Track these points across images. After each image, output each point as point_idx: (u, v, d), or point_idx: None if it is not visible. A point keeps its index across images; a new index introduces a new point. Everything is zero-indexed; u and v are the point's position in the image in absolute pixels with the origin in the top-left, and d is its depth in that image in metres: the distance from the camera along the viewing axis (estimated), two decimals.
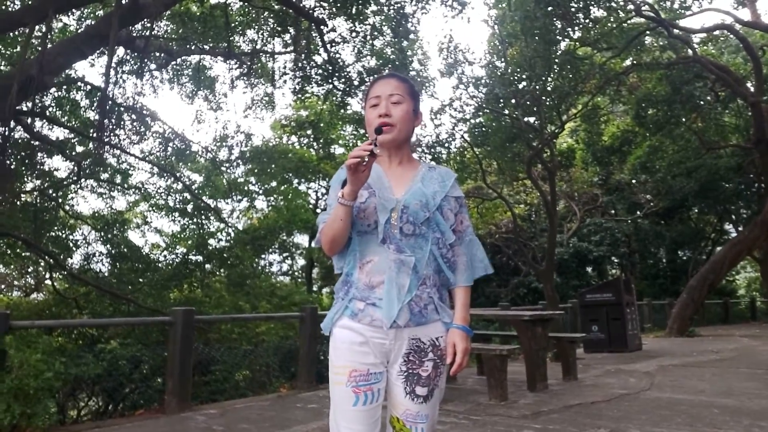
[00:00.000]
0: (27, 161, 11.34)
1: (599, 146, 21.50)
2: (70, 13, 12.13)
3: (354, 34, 12.78)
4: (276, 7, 12.58)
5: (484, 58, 16.05)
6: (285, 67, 14.24)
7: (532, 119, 15.88)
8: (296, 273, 23.85)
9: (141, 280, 12.28)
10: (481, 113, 16.33)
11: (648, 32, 15.68)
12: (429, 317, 1.87)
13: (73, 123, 12.64)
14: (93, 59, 12.88)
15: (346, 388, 1.83)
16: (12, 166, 10.44)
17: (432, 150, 16.58)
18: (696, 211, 25.19)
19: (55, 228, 12.72)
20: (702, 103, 16.72)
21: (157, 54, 13.20)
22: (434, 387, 1.89)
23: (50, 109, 12.23)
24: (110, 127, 11.71)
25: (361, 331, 1.84)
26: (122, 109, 12.19)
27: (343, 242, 1.90)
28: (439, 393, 1.93)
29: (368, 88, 2.04)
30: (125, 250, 13.03)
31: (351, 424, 1.82)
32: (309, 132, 21.95)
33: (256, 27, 14.04)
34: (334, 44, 12.66)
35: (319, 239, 1.94)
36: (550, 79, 14.67)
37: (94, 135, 11.53)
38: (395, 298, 1.82)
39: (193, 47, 13.67)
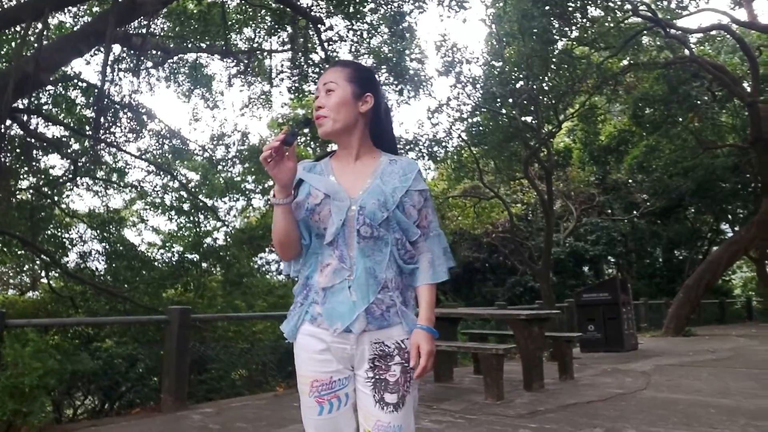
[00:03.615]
0: (23, 159, 11.30)
1: (596, 146, 21.52)
2: (66, 11, 12.09)
3: (351, 33, 12.78)
4: (273, 5, 12.56)
5: (481, 57, 16.07)
6: (282, 66, 14.22)
7: (529, 118, 15.90)
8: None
9: (137, 278, 12.25)
10: (478, 112, 16.34)
11: (645, 32, 15.71)
12: (392, 320, 1.78)
13: (69, 121, 12.58)
14: (89, 57, 12.83)
15: (309, 398, 1.77)
16: (7, 164, 10.40)
17: (429, 149, 16.59)
18: (693, 210, 25.25)
19: (51, 226, 12.68)
20: (699, 102, 16.74)
21: (154, 52, 13.17)
22: (405, 393, 1.77)
23: (46, 106, 12.17)
24: (106, 124, 11.67)
25: (321, 336, 1.77)
26: (118, 106, 12.15)
27: (294, 246, 1.81)
28: (412, 401, 1.80)
29: None
30: (121, 248, 13.00)
31: None
32: (306, 130, 21.90)
33: (253, 25, 14.01)
34: (331, 42, 12.65)
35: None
36: (547, 78, 14.70)
37: (90, 133, 11.50)
38: (350, 305, 1.75)
39: (190, 45, 13.64)
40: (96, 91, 10.98)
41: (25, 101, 9.28)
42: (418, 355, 1.76)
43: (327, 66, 1.87)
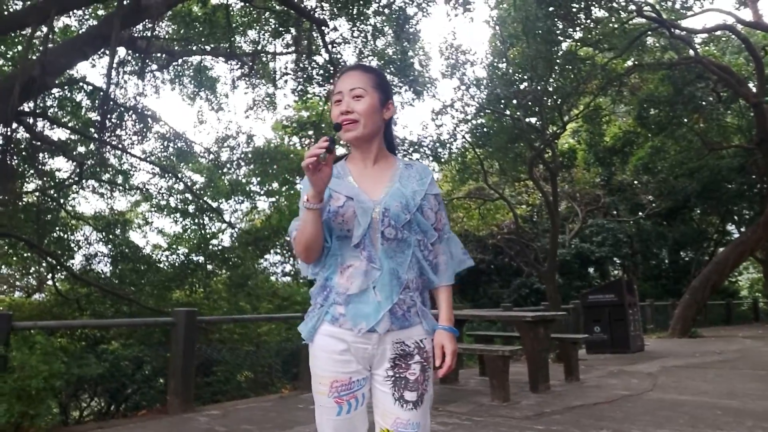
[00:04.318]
0: (29, 162, 11.34)
1: (601, 147, 21.49)
2: (71, 14, 12.14)
3: (355, 35, 12.80)
4: (277, 7, 12.59)
5: (485, 58, 16.05)
6: (286, 68, 14.26)
7: (533, 120, 15.87)
8: (298, 273, 23.82)
9: (143, 280, 12.29)
10: (482, 114, 16.33)
11: (650, 33, 15.67)
12: (412, 320, 1.82)
13: (75, 123, 12.65)
14: (95, 60, 12.91)
15: (328, 399, 1.79)
16: (14, 167, 10.44)
17: (433, 150, 16.58)
18: (698, 211, 25.18)
19: (57, 228, 12.72)
20: (704, 103, 16.71)
21: (159, 55, 13.22)
22: (423, 392, 1.82)
23: (52, 109, 12.24)
24: (111, 127, 11.72)
25: (342, 336, 1.79)
26: (123, 109, 12.20)
27: (319, 248, 1.82)
28: (428, 399, 1.85)
29: (334, 83, 1.96)
30: (127, 250, 13.03)
31: None
32: (310, 133, 21.92)
33: (258, 27, 14.04)
34: (335, 45, 12.67)
35: (294, 247, 1.86)
36: (551, 79, 14.67)
37: (96, 135, 11.55)
38: (375, 305, 1.77)
39: (194, 48, 13.68)
40: (101, 93, 11.03)
41: (31, 104, 9.30)
42: (442, 354, 1.83)
43: (343, 69, 1.89)
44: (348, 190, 1.84)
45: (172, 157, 14.40)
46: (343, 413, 1.78)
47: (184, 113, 65.41)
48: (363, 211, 1.80)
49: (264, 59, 14.77)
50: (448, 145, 16.84)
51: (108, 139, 11.53)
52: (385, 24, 13.33)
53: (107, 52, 10.51)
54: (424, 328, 1.85)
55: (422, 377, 1.82)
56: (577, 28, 14.32)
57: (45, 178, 12.44)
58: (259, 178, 17.33)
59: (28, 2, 10.91)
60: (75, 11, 11.97)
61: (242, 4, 13.38)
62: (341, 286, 1.80)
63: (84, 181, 13.03)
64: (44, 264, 13.01)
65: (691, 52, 16.14)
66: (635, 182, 24.09)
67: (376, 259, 1.79)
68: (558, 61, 14.24)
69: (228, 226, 15.27)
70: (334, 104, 1.91)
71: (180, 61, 14.20)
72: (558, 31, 13.78)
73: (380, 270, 1.79)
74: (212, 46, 13.52)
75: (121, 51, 11.81)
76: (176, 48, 13.47)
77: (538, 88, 14.61)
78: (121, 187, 14.55)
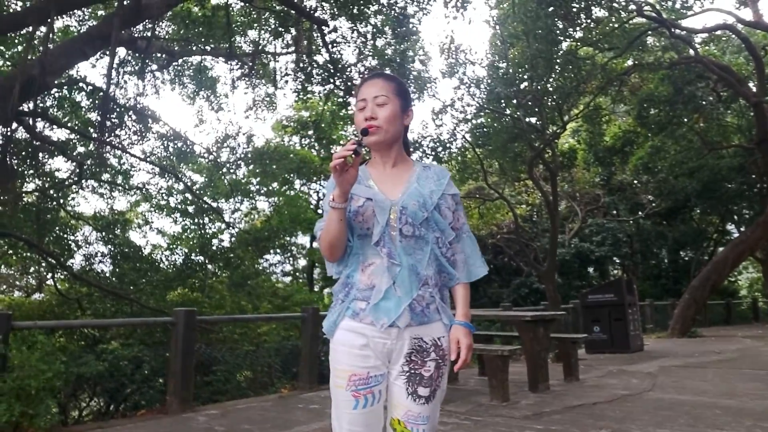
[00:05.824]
0: (28, 162, 11.34)
1: (601, 146, 21.48)
2: (71, 14, 12.14)
3: (355, 35, 12.79)
4: (277, 7, 12.59)
5: (485, 58, 16.05)
6: (286, 68, 14.23)
7: (533, 119, 15.87)
8: (298, 273, 23.86)
9: (143, 280, 12.29)
10: (482, 113, 16.33)
11: (650, 32, 15.67)
12: (431, 317, 1.87)
13: (75, 124, 12.64)
14: (94, 60, 12.90)
15: (345, 392, 1.84)
16: (14, 167, 10.44)
17: (433, 150, 16.58)
18: (698, 211, 25.15)
19: (57, 228, 12.73)
20: (704, 103, 16.70)
21: (159, 55, 13.21)
22: (436, 388, 1.88)
23: (52, 109, 12.23)
24: (111, 127, 11.71)
25: (362, 331, 1.84)
26: (123, 109, 12.19)
27: (343, 247, 1.89)
28: (441, 394, 1.91)
29: (356, 90, 2.04)
30: (127, 250, 13.04)
31: (353, 426, 1.84)
32: (310, 132, 21.96)
33: (258, 27, 14.04)
34: (335, 44, 12.66)
35: (320, 247, 1.94)
36: (551, 79, 14.68)
37: (96, 135, 11.54)
38: (396, 300, 1.83)
39: (194, 48, 13.68)
40: (101, 94, 11.03)
41: (31, 104, 9.30)
42: (458, 348, 1.88)
43: (366, 77, 1.99)
44: (367, 191, 1.92)
45: (171, 157, 14.39)
46: (359, 407, 1.83)
47: (184, 113, 65.37)
48: (381, 209, 1.88)
49: (264, 59, 14.77)
50: (447, 144, 16.84)
51: (108, 139, 11.53)
52: (385, 24, 13.32)
53: (107, 52, 10.51)
54: (443, 324, 1.91)
55: (436, 374, 1.88)
56: (578, 28, 14.32)
57: (45, 178, 12.45)
58: (258, 179, 17.33)
59: (28, 2, 10.91)
60: (75, 11, 11.97)
61: (242, 4, 13.38)
62: (362, 282, 1.88)
63: (84, 181, 13.03)
64: (44, 264, 13.01)
65: (691, 51, 16.13)
66: (635, 182, 24.09)
67: (395, 256, 1.86)
68: (558, 60, 14.24)
69: (228, 227, 15.26)
70: (358, 110, 1.99)
71: (180, 61, 14.19)
72: (558, 31, 13.78)
73: (400, 266, 1.85)
74: (212, 46, 13.51)
75: (121, 51, 11.82)
76: (176, 48, 13.46)
77: (538, 87, 14.61)
78: (120, 187, 14.55)
